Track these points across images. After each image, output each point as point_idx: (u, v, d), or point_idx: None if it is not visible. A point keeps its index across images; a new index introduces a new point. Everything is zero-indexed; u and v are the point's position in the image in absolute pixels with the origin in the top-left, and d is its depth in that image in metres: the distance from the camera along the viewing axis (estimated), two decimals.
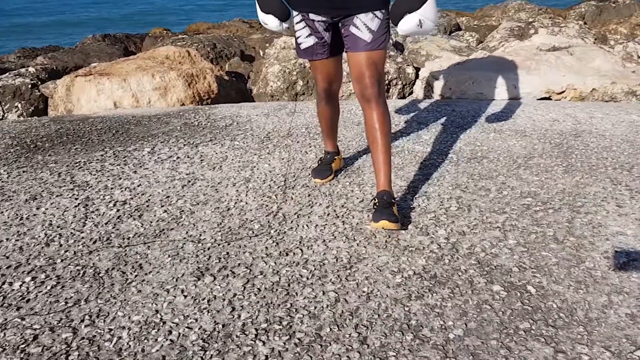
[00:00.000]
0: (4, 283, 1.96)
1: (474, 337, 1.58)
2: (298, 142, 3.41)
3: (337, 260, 2.01)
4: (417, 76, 4.90)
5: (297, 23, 2.29)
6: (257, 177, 2.83)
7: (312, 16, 2.21)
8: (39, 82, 5.03)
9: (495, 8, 9.88)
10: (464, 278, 1.88)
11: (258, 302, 1.77)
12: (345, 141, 3.35)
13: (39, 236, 2.32)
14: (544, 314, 1.68)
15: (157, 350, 1.57)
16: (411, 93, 4.89)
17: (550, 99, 4.41)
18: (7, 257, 2.15)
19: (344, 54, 2.34)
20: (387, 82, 4.82)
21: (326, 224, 2.29)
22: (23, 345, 1.62)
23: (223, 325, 1.66)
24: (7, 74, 5.18)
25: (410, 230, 2.22)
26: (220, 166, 3.03)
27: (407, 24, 2.04)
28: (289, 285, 1.86)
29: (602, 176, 2.74)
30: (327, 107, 2.55)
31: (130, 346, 1.59)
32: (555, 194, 2.54)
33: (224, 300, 1.79)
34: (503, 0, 10.42)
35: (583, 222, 2.26)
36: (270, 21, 2.28)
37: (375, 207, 2.19)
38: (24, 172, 3.13)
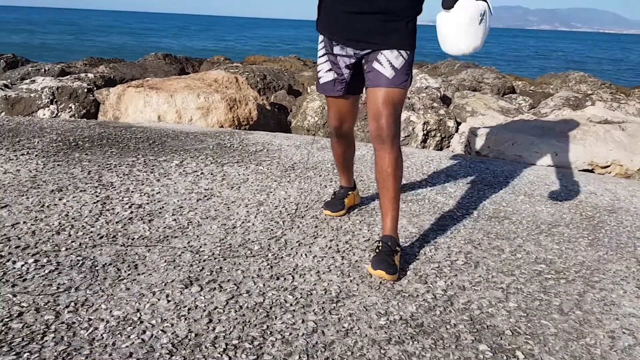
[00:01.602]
0: (8, 260, 2.04)
1: None
2: (320, 175, 3.43)
3: (325, 292, 1.98)
4: (457, 130, 4.87)
5: (320, 57, 2.32)
6: (271, 202, 2.85)
7: (336, 51, 2.23)
8: (95, 88, 5.30)
9: (556, 77, 9.76)
10: (451, 332, 1.81)
11: (236, 318, 1.76)
12: (367, 181, 3.35)
13: (53, 224, 2.41)
14: None
15: (127, 347, 1.58)
16: (448, 146, 4.86)
17: (593, 172, 4.28)
18: (19, 238, 2.24)
19: (363, 92, 2.34)
20: (425, 132, 4.81)
21: (325, 257, 2.27)
22: (7, 319, 1.67)
23: (196, 335, 1.66)
24: (69, 76, 5.48)
25: (408, 277, 2.17)
26: (239, 187, 3.08)
27: (470, 8, 1.75)
28: (271, 308, 1.84)
29: (628, 255, 2.61)
30: (339, 143, 2.55)
31: (103, 338, 1.61)
32: (572, 265, 2.43)
33: (204, 311, 1.79)
34: (565, 69, 10.33)
35: (595, 298, 2.15)
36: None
37: (377, 251, 2.16)
38: (58, 165, 3.27)
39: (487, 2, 1.74)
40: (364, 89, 2.28)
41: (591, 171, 4.26)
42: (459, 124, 5.01)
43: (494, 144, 4.41)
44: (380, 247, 2.15)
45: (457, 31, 1.78)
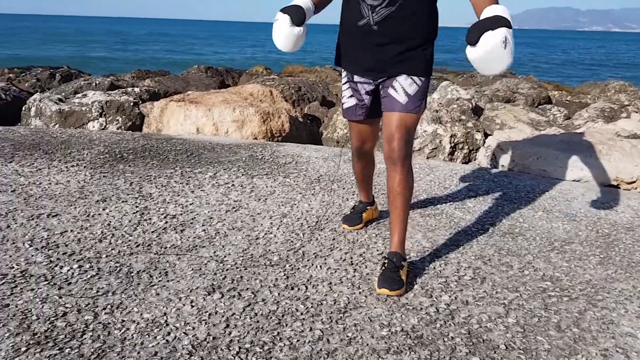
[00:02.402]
0: (56, 265, 2.32)
1: None
2: (344, 188, 3.61)
3: (335, 303, 2.16)
4: (484, 143, 4.96)
5: (343, 84, 2.51)
6: (294, 214, 3.05)
7: (356, 78, 2.41)
8: (140, 102, 5.65)
9: (595, 86, 9.59)
10: (447, 344, 1.96)
11: (250, 324, 1.97)
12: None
13: (96, 232, 2.68)
14: None
15: (153, 346, 1.80)
16: (475, 159, 4.95)
17: (619, 188, 4.29)
18: (66, 245, 2.52)
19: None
20: (453, 145, 4.92)
21: (338, 269, 2.46)
22: (53, 318, 1.92)
23: (213, 338, 1.87)
24: (117, 90, 5.86)
25: (415, 290, 2.32)
26: (266, 199, 3.30)
27: (491, 40, 1.81)
28: (283, 316, 2.04)
29: (637, 274, 2.67)
30: (360, 162, 2.73)
31: (133, 337, 1.84)
32: (578, 283, 2.53)
33: (222, 316, 2.00)
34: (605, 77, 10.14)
35: (594, 316, 2.24)
36: (282, 21, 2.19)
37: (383, 268, 2.31)
38: (104, 176, 3.57)
39: (506, 26, 1.86)
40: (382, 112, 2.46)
41: (617, 187, 4.27)
42: (487, 136, 5.09)
43: (519, 158, 4.48)
44: (386, 264, 2.31)
45: (486, 61, 1.90)
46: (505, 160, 4.57)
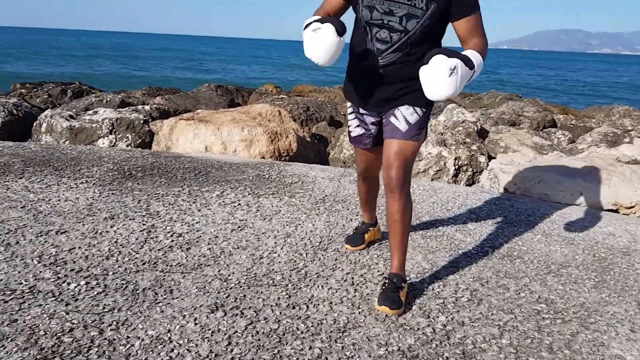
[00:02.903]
0: (64, 282, 2.39)
1: None
2: (348, 209, 3.69)
3: (334, 322, 2.23)
4: (488, 166, 5.03)
5: (349, 114, 2.62)
6: (298, 234, 3.13)
7: (362, 110, 2.53)
8: (150, 119, 5.78)
9: (600, 110, 9.67)
10: None
11: (252, 342, 2.03)
12: None
13: (104, 250, 2.77)
14: None
15: None
16: (479, 181, 5.01)
17: (618, 212, 4.34)
18: (74, 262, 2.60)
19: None
20: (457, 167, 4.99)
21: (340, 289, 2.52)
22: (60, 334, 2.00)
23: (215, 355, 1.94)
24: (127, 108, 6.00)
25: (413, 311, 2.38)
26: (271, 218, 3.38)
27: (439, 63, 1.90)
28: (283, 334, 2.11)
29: (630, 298, 2.72)
30: (364, 185, 2.83)
31: (137, 353, 1.91)
32: (571, 306, 2.58)
33: (225, 334, 2.07)
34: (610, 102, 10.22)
35: (586, 339, 2.29)
36: (326, 29, 2.08)
37: (383, 288, 2.39)
38: (112, 194, 3.67)
39: (464, 62, 1.94)
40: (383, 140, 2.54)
41: (616, 211, 4.33)
42: (491, 159, 5.16)
43: (521, 182, 4.55)
44: (386, 284, 2.39)
45: (429, 82, 1.99)
46: (507, 183, 4.63)
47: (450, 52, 1.94)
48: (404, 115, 2.35)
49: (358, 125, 2.58)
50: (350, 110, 2.61)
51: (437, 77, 1.92)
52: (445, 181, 5.03)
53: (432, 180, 5.01)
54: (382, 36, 2.28)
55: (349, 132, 2.66)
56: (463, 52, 2.01)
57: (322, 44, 2.10)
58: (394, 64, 2.30)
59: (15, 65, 33.21)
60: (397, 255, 2.43)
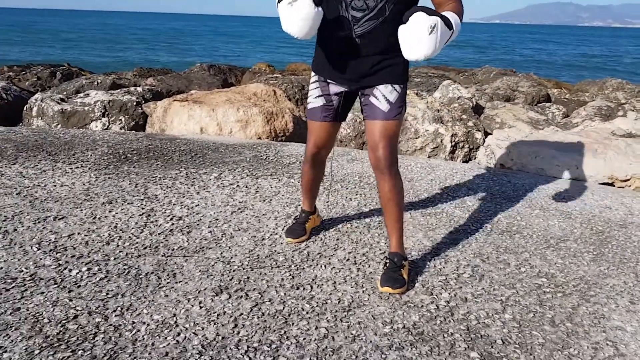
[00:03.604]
0: (65, 269, 2.38)
1: None
2: (347, 188, 3.68)
3: (339, 302, 2.24)
4: (484, 142, 5.03)
5: (312, 82, 2.47)
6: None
7: (328, 80, 2.39)
8: (143, 101, 5.71)
9: (593, 84, 9.66)
10: (447, 340, 2.04)
11: (258, 324, 2.04)
12: None
13: (104, 235, 2.75)
14: None
15: (164, 347, 1.88)
16: (475, 157, 5.02)
17: (613, 185, 4.37)
18: (74, 248, 2.59)
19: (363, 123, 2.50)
20: (453, 144, 4.99)
21: (342, 268, 2.53)
22: (65, 321, 1.99)
23: (222, 338, 1.94)
24: (119, 90, 5.92)
25: (416, 288, 2.40)
26: (271, 200, 3.37)
27: (419, 20, 1.88)
28: (289, 315, 2.11)
29: (628, 270, 2.75)
30: (311, 169, 2.66)
31: (144, 339, 1.91)
32: (571, 279, 2.60)
33: (231, 317, 2.08)
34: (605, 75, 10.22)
35: (587, 311, 2.32)
36: (301, 1, 2.03)
37: (385, 267, 2.39)
38: (109, 178, 3.64)
39: (444, 22, 1.91)
40: (363, 120, 2.45)
41: (611, 184, 4.35)
42: (488, 135, 5.16)
43: (517, 157, 4.55)
44: (387, 264, 2.39)
45: (409, 39, 1.94)
46: (504, 159, 4.64)
47: (430, 11, 1.92)
48: (383, 95, 2.28)
49: (319, 96, 2.43)
50: (313, 79, 2.46)
51: (417, 35, 1.89)
52: (442, 158, 5.03)
53: (429, 157, 5.01)
54: (357, 4, 2.17)
55: (307, 103, 2.51)
56: (443, 13, 1.98)
57: (299, 17, 2.05)
58: (370, 33, 2.20)
59: None
60: (395, 234, 2.42)
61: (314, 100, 2.46)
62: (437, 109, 5.20)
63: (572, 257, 2.86)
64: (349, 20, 2.21)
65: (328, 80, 2.40)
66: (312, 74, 2.50)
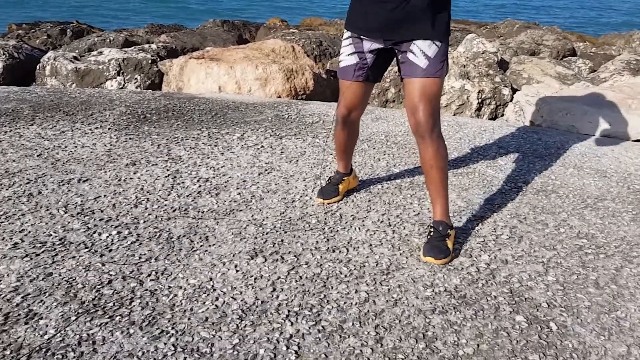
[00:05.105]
0: (94, 232, 2.33)
1: (481, 357, 1.70)
2: (374, 148, 3.58)
3: (377, 264, 2.18)
4: (512, 99, 4.87)
5: (344, 39, 2.31)
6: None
7: (362, 36, 2.24)
8: (158, 59, 5.58)
9: (619, 37, 9.32)
10: (491, 303, 1.98)
11: (297, 288, 1.99)
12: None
13: (131, 197, 2.69)
14: (557, 351, 1.75)
15: (203, 312, 1.83)
16: (503, 115, 4.87)
17: None
18: (102, 211, 2.53)
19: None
20: (480, 100, 4.84)
21: (377, 230, 2.46)
22: (99, 286, 1.95)
23: (262, 302, 1.90)
24: (133, 47, 5.78)
25: (455, 250, 2.33)
26: (297, 160, 3.28)
27: None
28: (327, 278, 2.06)
29: None
30: (343, 132, 2.53)
31: (182, 303, 1.87)
32: (613, 240, 2.52)
33: (268, 280, 2.03)
34: (631, 28, 9.85)
35: (631, 273, 2.25)
36: None
37: (429, 236, 2.27)
38: (130, 139, 3.56)
39: None
40: (400, 78, 2.29)
41: None
42: (515, 91, 4.99)
43: (548, 114, 4.40)
44: (432, 233, 2.27)
45: None
46: (533, 116, 4.50)
47: None
48: (421, 49, 2.12)
49: (352, 53, 2.27)
50: (346, 36, 2.31)
51: None
52: (468, 115, 4.89)
53: (454, 115, 4.87)
54: None
55: (339, 62, 2.36)
56: None
57: None
58: None
59: None
60: (439, 202, 2.31)
61: (347, 58, 2.30)
62: (462, 64, 5.03)
63: (611, 217, 2.76)
64: None
65: (362, 37, 2.26)
66: (345, 30, 2.35)
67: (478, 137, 3.97)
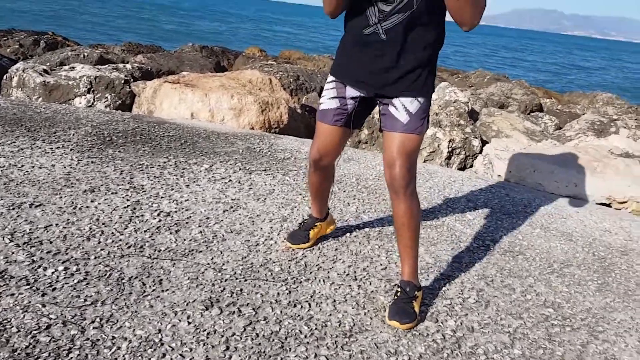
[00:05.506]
0: (40, 267, 2.16)
1: None
2: (344, 191, 3.51)
3: (339, 324, 2.07)
4: (481, 150, 4.90)
5: (328, 82, 2.26)
6: (294, 218, 2.94)
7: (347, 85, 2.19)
8: (132, 80, 5.43)
9: (584, 96, 9.64)
10: None
11: (252, 347, 1.86)
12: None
13: (84, 229, 2.53)
14: None
15: None
16: (472, 166, 4.89)
17: (610, 206, 4.28)
18: (51, 242, 2.36)
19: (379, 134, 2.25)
20: (450, 149, 4.85)
21: (342, 284, 2.36)
22: (36, 332, 1.78)
23: None
24: (107, 65, 5.62)
25: (421, 312, 2.24)
26: (265, 199, 3.18)
27: None
28: (286, 338, 1.94)
29: (634, 304, 2.65)
30: (315, 174, 2.44)
31: (125, 358, 1.72)
32: (579, 312, 2.49)
33: (222, 337, 1.89)
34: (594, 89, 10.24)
35: (597, 350, 2.20)
36: None
37: (395, 297, 2.18)
38: (92, 162, 3.40)
39: None
40: (380, 130, 2.23)
41: (609, 205, 4.27)
42: (484, 142, 5.03)
43: (516, 170, 4.43)
44: (398, 294, 2.18)
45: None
46: (502, 170, 4.52)
47: None
48: (403, 105, 2.07)
49: (333, 97, 2.21)
50: (330, 79, 2.25)
51: None
52: (438, 164, 4.89)
53: (424, 161, 4.86)
54: None
55: (319, 103, 2.29)
56: None
57: None
58: (398, 27, 1.98)
59: None
60: (408, 262, 2.22)
61: (327, 101, 2.24)
62: (435, 112, 5.05)
63: (577, 286, 2.74)
64: (374, 15, 2.00)
65: (345, 83, 2.20)
66: (330, 74, 2.29)
67: (447, 188, 3.95)
